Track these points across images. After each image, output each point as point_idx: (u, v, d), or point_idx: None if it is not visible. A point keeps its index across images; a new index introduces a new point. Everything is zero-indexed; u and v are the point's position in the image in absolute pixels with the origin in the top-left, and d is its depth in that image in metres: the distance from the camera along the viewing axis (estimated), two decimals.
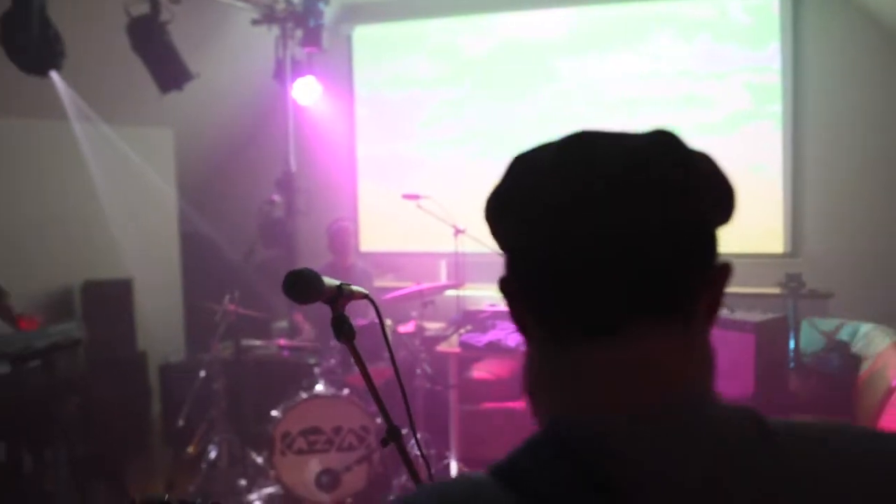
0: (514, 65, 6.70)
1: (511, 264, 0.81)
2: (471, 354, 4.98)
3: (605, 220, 0.74)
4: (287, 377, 5.10)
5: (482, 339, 4.72)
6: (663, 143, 0.78)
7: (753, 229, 6.10)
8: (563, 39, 6.57)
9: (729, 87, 6.13)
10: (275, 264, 6.09)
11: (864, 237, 5.70)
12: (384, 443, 1.72)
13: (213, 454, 4.99)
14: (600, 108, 6.47)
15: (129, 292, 5.79)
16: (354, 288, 1.66)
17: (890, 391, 4.08)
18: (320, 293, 1.59)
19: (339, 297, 1.63)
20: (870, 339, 4.74)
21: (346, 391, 4.86)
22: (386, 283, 6.57)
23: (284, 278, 1.58)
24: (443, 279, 6.95)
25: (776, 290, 5.70)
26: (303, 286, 1.57)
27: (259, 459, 4.99)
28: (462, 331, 5.12)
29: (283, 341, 5.23)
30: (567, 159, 0.78)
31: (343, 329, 1.63)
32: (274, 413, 4.86)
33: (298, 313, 5.61)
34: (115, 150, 5.61)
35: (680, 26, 6.24)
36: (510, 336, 4.72)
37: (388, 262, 6.85)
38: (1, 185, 5.07)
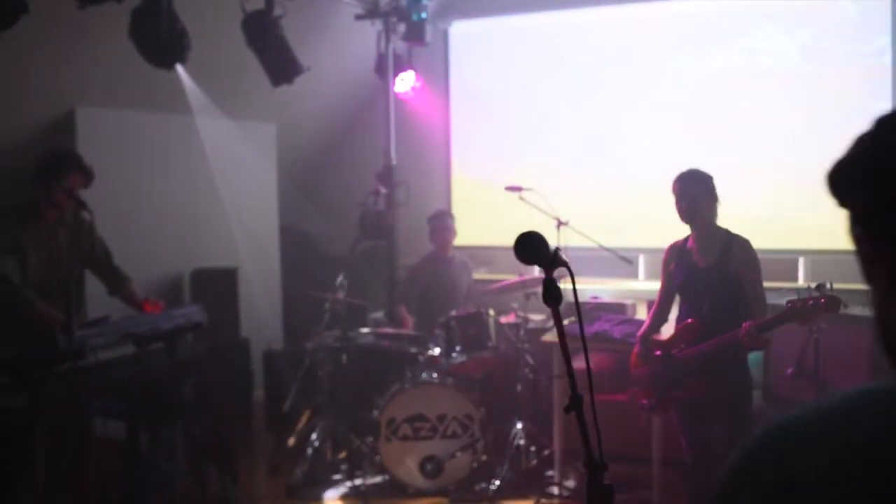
0: (610, 62, 6.67)
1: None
2: (577, 345, 4.97)
3: None
4: (390, 366, 5.18)
5: (588, 329, 4.72)
6: None
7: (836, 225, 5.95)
8: (662, 35, 6.51)
9: (835, 83, 5.99)
10: (374, 255, 6.21)
11: None
12: (566, 410, 1.76)
13: (316, 440, 5.10)
14: (699, 104, 6.40)
15: (235, 281, 5.96)
16: (561, 257, 1.72)
17: None
18: (544, 257, 1.67)
19: (554, 263, 1.69)
20: None
21: (450, 380, 4.92)
22: (480, 276, 6.62)
23: (518, 239, 1.66)
24: (536, 273, 6.97)
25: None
26: (533, 248, 1.68)
27: (362, 446, 5.09)
28: (565, 322, 5.12)
29: (388, 330, 5.32)
30: None
31: (553, 293, 1.68)
32: (379, 400, 4.96)
33: (402, 305, 5.69)
34: (224, 143, 5.79)
35: (784, 20, 6.12)
36: (616, 328, 4.72)
37: (481, 256, 6.89)
38: (120, 175, 5.25)
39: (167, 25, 4.10)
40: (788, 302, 3.35)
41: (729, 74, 6.28)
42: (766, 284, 3.83)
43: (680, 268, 3.85)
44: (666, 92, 6.49)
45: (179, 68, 4.33)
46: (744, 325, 3.41)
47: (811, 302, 3.27)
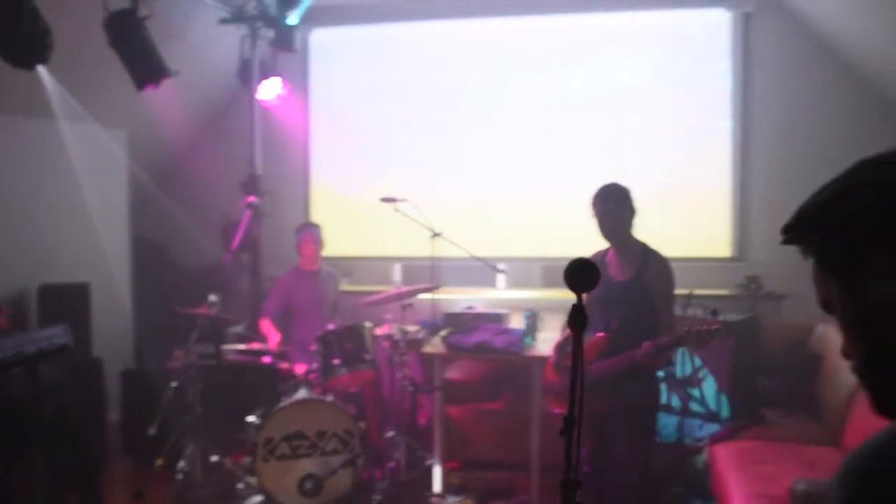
0: (472, 74, 6.79)
1: None
2: (458, 356, 5.03)
3: None
4: (264, 383, 5.02)
5: (470, 339, 4.77)
6: None
7: (702, 236, 6.40)
8: (517, 50, 6.70)
9: (680, 101, 6.39)
10: (237, 268, 5.99)
11: None
12: (560, 433, 1.74)
13: (184, 463, 4.86)
14: (551, 120, 6.64)
15: (86, 296, 5.57)
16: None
17: (852, 390, 4.35)
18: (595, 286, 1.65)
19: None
20: (826, 338, 5.03)
21: (329, 395, 4.83)
22: (343, 287, 6.55)
23: (569, 268, 1.63)
24: (397, 282, 6.97)
25: (726, 292, 6.02)
26: (588, 278, 1.65)
27: (236, 467, 4.89)
28: (443, 333, 5.16)
29: (258, 345, 5.14)
30: None
31: (580, 319, 1.66)
32: (253, 419, 4.79)
33: (265, 319, 5.52)
34: (77, 149, 5.40)
35: (633, 40, 6.47)
36: (497, 338, 4.79)
37: (342, 266, 6.81)
38: None
39: (28, 23, 3.78)
40: (685, 327, 3.48)
41: (589, 90, 6.56)
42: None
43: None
44: (527, 105, 6.69)
45: (41, 69, 3.99)
46: (643, 344, 3.48)
47: (705, 328, 3.42)
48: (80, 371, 5.29)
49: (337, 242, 6.83)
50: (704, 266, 6.26)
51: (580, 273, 1.66)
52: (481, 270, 5.53)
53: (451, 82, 6.83)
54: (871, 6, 5.15)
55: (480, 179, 6.81)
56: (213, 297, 4.83)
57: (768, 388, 4.90)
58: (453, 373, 5.57)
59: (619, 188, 3.79)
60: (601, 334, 3.75)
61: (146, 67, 4.63)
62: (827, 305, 1.08)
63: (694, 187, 6.45)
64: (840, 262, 1.05)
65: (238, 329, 6.01)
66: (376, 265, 6.95)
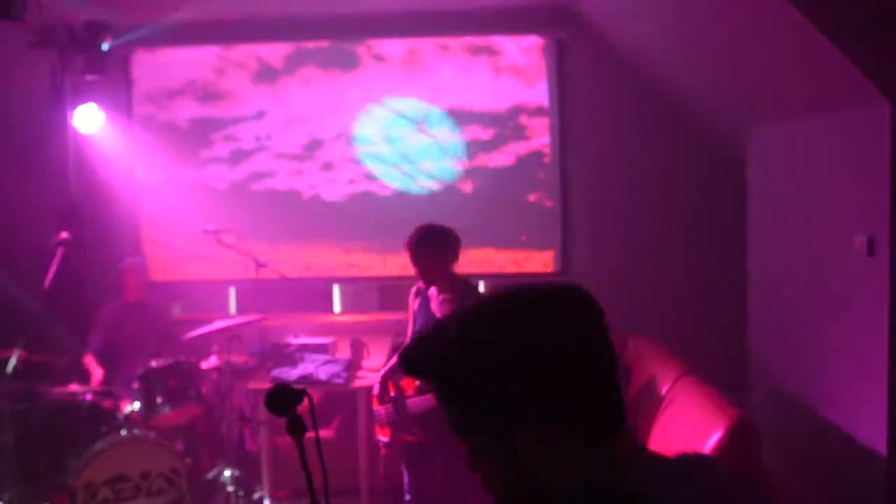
0: (286, 96, 6.80)
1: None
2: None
3: None
4: (85, 424, 4.84)
5: (293, 372, 4.79)
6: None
7: (527, 251, 6.67)
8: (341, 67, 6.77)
9: (507, 117, 6.64)
10: (60, 303, 5.73)
11: (625, 256, 6.43)
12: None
13: None
14: (375, 140, 6.74)
15: None
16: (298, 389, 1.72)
17: (660, 400, 4.65)
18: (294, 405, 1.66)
19: (293, 401, 1.70)
20: (637, 351, 5.34)
21: (152, 434, 4.73)
22: (175, 315, 6.41)
23: (269, 396, 1.64)
24: (232, 307, 6.89)
25: None
26: (287, 403, 1.65)
27: None
28: (270, 365, 5.14)
29: (77, 386, 4.95)
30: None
31: (299, 429, 1.69)
32: (72, 464, 4.63)
33: (88, 355, 5.34)
34: None
35: (461, 61, 6.66)
36: (320, 368, 4.83)
37: (175, 292, 6.66)
38: None
39: None
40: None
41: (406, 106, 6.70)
42: None
43: (420, 312, 3.97)
44: (338, 125, 6.76)
45: None
46: None
47: None
48: None
49: (171, 268, 6.69)
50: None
51: (278, 399, 1.69)
52: (316, 292, 5.55)
53: (276, 106, 6.81)
54: (671, 37, 5.53)
55: (311, 199, 6.82)
56: (19, 343, 4.63)
57: None
58: None
59: (429, 234, 3.88)
60: None
61: None
62: (461, 432, 1.15)
63: (522, 203, 6.72)
64: (484, 415, 1.10)
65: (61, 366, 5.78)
66: (210, 289, 6.83)
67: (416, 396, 3.86)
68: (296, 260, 6.59)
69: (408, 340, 4.14)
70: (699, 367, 4.55)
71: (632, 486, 1.06)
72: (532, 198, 6.71)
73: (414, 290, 4.13)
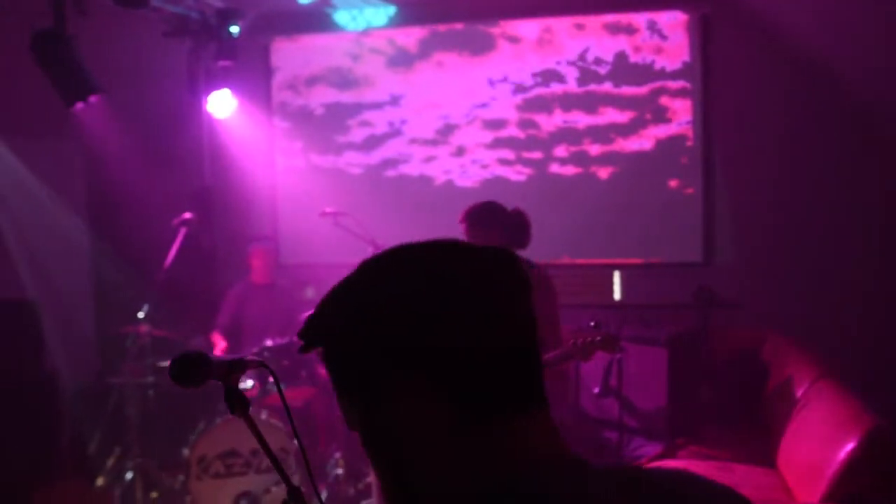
0: (429, 83, 6.72)
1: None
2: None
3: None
4: (202, 399, 4.98)
5: None
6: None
7: (666, 240, 6.26)
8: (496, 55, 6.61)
9: (647, 102, 6.27)
10: (183, 280, 5.95)
11: (771, 248, 5.89)
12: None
13: (126, 481, 4.85)
14: (508, 124, 6.55)
15: (34, 315, 5.56)
16: (249, 360, 1.60)
17: (795, 402, 4.23)
18: (208, 375, 1.53)
19: (233, 372, 1.58)
20: (776, 350, 4.89)
21: (264, 413, 4.79)
22: (308, 297, 6.50)
23: (171, 364, 1.52)
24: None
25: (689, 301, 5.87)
26: (187, 372, 1.51)
27: (174, 485, 4.87)
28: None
29: None
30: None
31: (237, 402, 1.57)
32: (189, 436, 4.77)
33: (215, 332, 5.50)
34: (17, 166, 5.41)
35: (598, 40, 6.35)
36: None
37: (307, 275, 6.76)
38: None
39: None
40: (571, 340, 3.42)
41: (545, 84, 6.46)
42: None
43: None
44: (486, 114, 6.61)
45: None
46: None
47: (589, 339, 3.35)
48: (26, 390, 5.27)
49: (304, 251, 6.80)
50: (670, 272, 6.15)
51: (181, 366, 1.53)
52: None
53: (410, 91, 6.76)
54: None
55: (443, 185, 6.73)
56: (145, 312, 4.82)
57: (712, 401, 4.77)
58: None
59: (484, 209, 3.71)
60: None
61: (73, 85, 4.63)
62: (350, 421, 0.99)
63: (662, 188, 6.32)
64: (357, 384, 0.95)
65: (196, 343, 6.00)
66: (343, 273, 6.86)
67: None
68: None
69: None
70: (844, 371, 4.09)
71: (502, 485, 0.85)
72: (673, 184, 6.30)
73: None
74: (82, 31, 4.67)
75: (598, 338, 3.35)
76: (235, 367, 1.57)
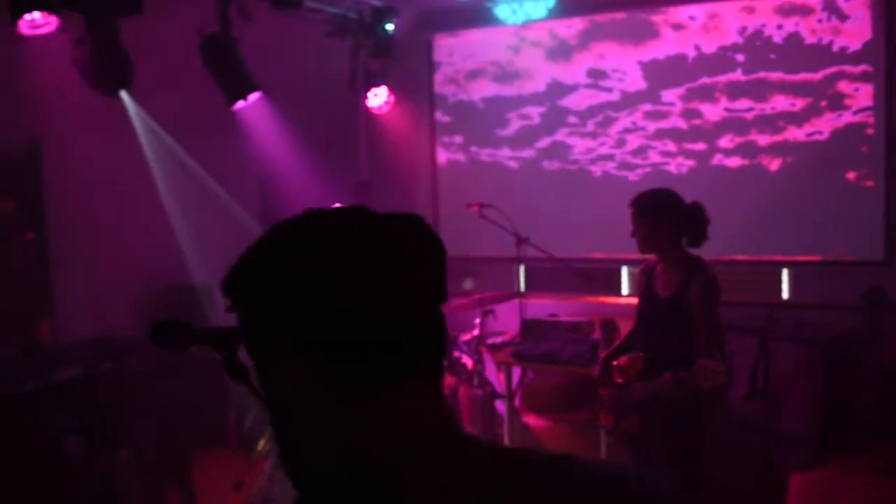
0: (593, 75, 6.61)
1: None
2: (525, 365, 4.94)
3: None
4: None
5: (536, 349, 4.66)
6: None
7: (842, 237, 5.79)
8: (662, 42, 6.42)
9: (823, 87, 5.84)
10: None
11: None
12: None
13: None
14: (671, 114, 6.30)
15: (195, 297, 5.97)
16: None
17: None
18: (188, 340, 1.56)
19: (232, 339, 1.60)
20: None
21: None
22: (466, 289, 6.59)
23: (154, 327, 1.58)
24: (521, 284, 6.92)
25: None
26: (164, 336, 1.55)
27: None
28: (519, 340, 5.08)
29: None
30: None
31: (237, 372, 1.60)
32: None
33: None
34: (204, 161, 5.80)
35: (769, 23, 5.99)
36: (565, 347, 4.64)
37: (466, 268, 6.85)
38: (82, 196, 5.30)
39: (110, 56, 4.18)
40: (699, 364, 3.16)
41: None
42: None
43: (644, 293, 3.62)
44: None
45: (123, 94, 4.40)
46: (664, 375, 3.17)
47: (713, 369, 3.08)
48: (195, 363, 5.68)
49: (461, 244, 6.89)
50: (835, 272, 5.70)
51: (161, 331, 1.53)
52: (606, 273, 5.36)
53: (570, 82, 6.68)
54: None
55: (602, 177, 6.60)
56: None
57: (872, 413, 4.37)
58: (538, 379, 5.46)
59: (656, 198, 3.42)
60: (640, 353, 3.50)
61: (236, 85, 4.96)
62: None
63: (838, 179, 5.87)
64: (256, 349, 0.96)
65: None
66: (501, 266, 6.92)
67: (635, 383, 3.48)
68: (586, 240, 6.43)
69: (633, 325, 3.82)
70: None
71: (372, 461, 0.84)
72: (850, 176, 5.82)
73: (641, 268, 3.72)
74: (247, 35, 4.98)
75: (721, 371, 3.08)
76: (233, 337, 1.61)
